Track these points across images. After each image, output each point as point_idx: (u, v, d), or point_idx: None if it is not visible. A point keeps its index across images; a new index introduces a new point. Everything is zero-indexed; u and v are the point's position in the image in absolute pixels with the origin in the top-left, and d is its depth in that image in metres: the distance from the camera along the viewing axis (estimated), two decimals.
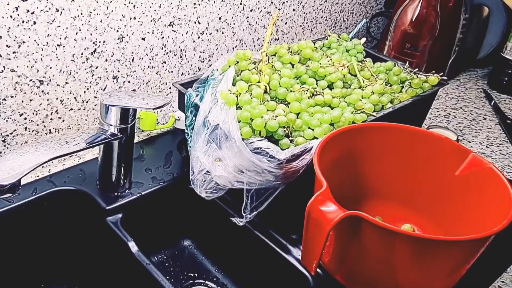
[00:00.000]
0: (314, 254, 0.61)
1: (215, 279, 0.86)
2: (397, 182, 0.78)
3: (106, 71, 0.86)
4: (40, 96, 0.80)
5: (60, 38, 0.78)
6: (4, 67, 0.74)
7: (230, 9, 1.00)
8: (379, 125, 0.77)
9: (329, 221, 0.57)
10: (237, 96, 0.74)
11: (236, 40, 1.05)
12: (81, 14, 0.78)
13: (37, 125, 0.82)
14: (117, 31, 0.84)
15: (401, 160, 0.76)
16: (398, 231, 0.60)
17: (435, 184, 0.75)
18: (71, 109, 0.85)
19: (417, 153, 0.75)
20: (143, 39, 0.88)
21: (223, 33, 1.01)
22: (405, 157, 0.76)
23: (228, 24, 1.01)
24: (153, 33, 0.89)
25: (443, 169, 0.73)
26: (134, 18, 0.85)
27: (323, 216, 0.58)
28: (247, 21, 1.05)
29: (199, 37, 0.97)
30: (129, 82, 0.91)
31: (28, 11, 0.72)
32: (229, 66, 0.82)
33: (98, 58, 0.84)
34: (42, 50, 0.77)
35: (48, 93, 0.80)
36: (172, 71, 0.96)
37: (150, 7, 0.86)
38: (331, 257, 0.69)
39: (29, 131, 0.81)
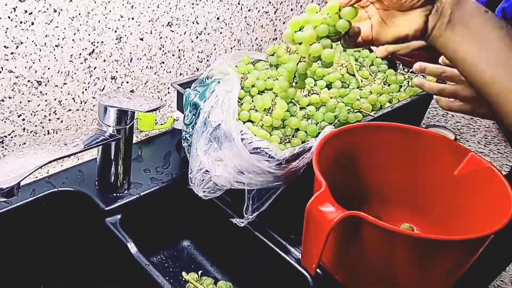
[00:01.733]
0: (314, 254, 0.61)
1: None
2: (395, 181, 0.78)
3: (104, 72, 0.86)
4: (38, 97, 0.80)
5: (58, 39, 0.78)
6: (2, 68, 0.74)
7: (228, 9, 1.00)
8: (378, 124, 0.77)
9: (328, 222, 0.57)
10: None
11: (234, 40, 1.05)
12: (79, 14, 0.78)
13: (35, 126, 0.82)
14: (115, 31, 0.84)
15: (399, 159, 0.76)
16: (397, 231, 0.60)
17: (433, 183, 0.75)
18: (70, 109, 0.85)
19: (416, 153, 0.76)
20: (141, 39, 0.88)
21: (221, 33, 1.01)
22: (404, 157, 0.76)
23: (226, 24, 1.01)
24: (151, 33, 0.89)
25: (441, 168, 0.73)
26: (132, 18, 0.85)
27: (322, 217, 0.58)
28: (245, 21, 1.05)
29: (197, 37, 0.97)
30: (127, 82, 0.90)
31: (26, 11, 0.72)
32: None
33: (96, 59, 0.84)
34: (40, 50, 0.76)
35: (46, 94, 0.80)
36: (170, 71, 0.96)
37: (148, 7, 0.86)
38: (330, 257, 0.69)
39: (27, 132, 0.81)
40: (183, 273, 0.72)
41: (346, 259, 0.67)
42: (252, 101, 0.80)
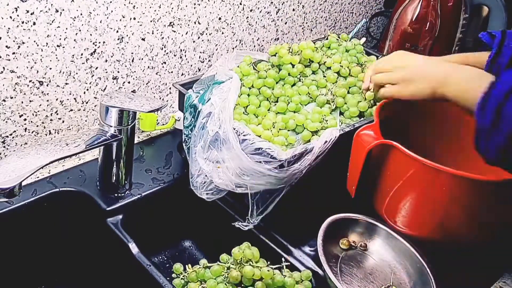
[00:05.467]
0: (354, 177, 0.69)
1: None
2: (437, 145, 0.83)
3: (106, 72, 0.86)
4: (39, 97, 0.80)
5: (60, 39, 0.77)
6: (3, 68, 0.74)
7: (230, 9, 1.00)
8: None
9: (367, 144, 0.67)
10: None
11: (236, 40, 1.05)
12: (81, 14, 0.78)
13: (37, 126, 0.82)
14: (117, 31, 0.84)
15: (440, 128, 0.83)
16: (439, 168, 0.64)
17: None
18: (71, 110, 0.85)
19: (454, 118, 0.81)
20: (143, 39, 0.88)
21: (223, 33, 1.01)
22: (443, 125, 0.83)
23: (228, 24, 1.01)
24: (153, 33, 0.89)
25: None
26: (134, 18, 0.85)
27: (362, 141, 0.67)
28: (247, 21, 1.05)
29: (199, 37, 0.97)
30: (129, 82, 0.90)
31: (27, 11, 0.72)
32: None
33: (98, 59, 0.84)
34: (42, 50, 0.76)
35: (47, 94, 0.80)
36: (172, 72, 0.96)
37: (150, 7, 0.86)
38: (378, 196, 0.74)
39: (29, 132, 0.81)
40: (174, 266, 0.69)
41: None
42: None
